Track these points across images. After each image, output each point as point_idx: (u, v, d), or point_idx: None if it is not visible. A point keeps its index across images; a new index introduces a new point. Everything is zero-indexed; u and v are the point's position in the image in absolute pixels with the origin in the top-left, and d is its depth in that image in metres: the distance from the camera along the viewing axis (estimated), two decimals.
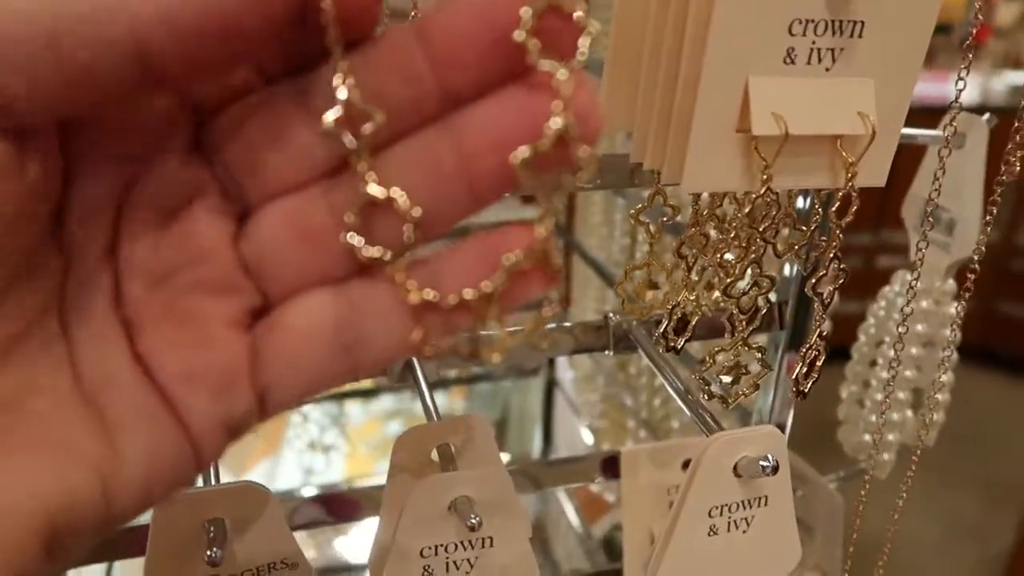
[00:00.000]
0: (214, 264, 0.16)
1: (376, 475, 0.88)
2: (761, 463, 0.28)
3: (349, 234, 0.16)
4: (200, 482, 0.27)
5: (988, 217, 0.37)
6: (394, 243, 0.16)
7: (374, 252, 0.16)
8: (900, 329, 0.41)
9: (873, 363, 0.46)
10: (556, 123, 0.15)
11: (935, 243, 0.42)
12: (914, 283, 0.37)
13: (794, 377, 0.28)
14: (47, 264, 0.15)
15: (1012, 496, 1.62)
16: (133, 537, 0.31)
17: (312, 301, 0.16)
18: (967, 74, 0.31)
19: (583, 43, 0.15)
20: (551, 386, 0.82)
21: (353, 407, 0.95)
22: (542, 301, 0.17)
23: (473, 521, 0.25)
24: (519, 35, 0.14)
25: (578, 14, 0.14)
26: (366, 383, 0.86)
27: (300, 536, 0.32)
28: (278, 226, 0.16)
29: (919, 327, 0.44)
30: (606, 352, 0.38)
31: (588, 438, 0.73)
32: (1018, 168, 0.32)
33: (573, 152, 0.15)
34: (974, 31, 0.29)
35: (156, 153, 0.16)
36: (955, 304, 0.43)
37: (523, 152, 0.15)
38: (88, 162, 0.15)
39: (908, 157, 0.39)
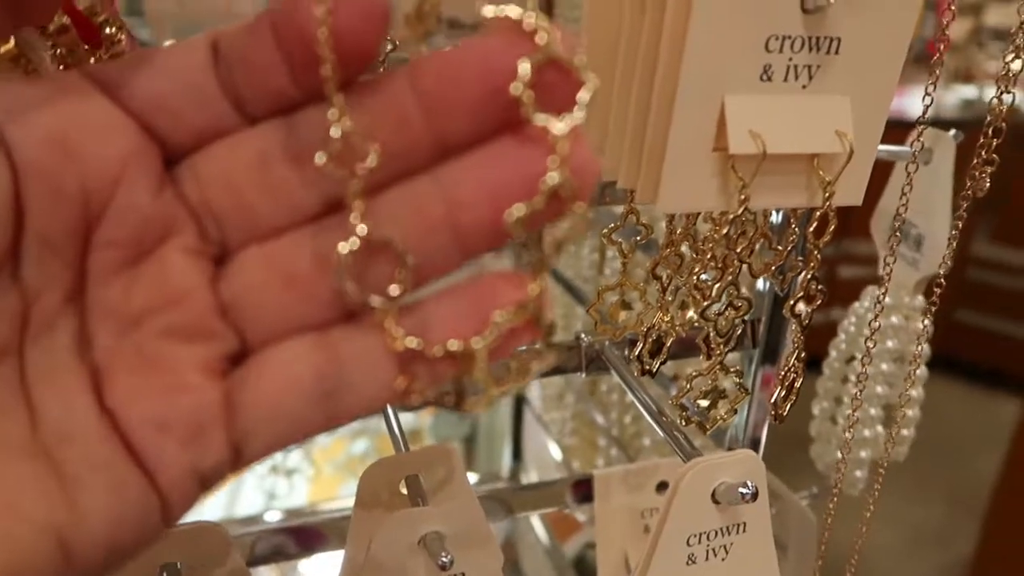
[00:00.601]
0: (189, 307, 0.15)
1: (341, 498, 0.86)
2: (740, 490, 0.27)
3: (341, 277, 0.15)
4: None
5: (954, 232, 0.37)
6: (382, 288, 0.15)
7: (372, 299, 0.15)
8: (869, 344, 0.40)
9: (845, 379, 0.46)
10: (553, 179, 0.14)
11: (903, 259, 0.42)
12: (882, 298, 0.37)
13: (773, 401, 0.27)
14: (2, 306, 0.14)
15: (973, 502, 1.65)
16: None
17: (293, 348, 0.16)
18: (934, 89, 0.31)
19: (583, 97, 0.14)
20: (520, 403, 0.80)
21: None
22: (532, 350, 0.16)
23: (444, 560, 0.24)
24: (516, 88, 0.14)
25: (578, 67, 0.14)
26: None
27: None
28: (260, 270, 0.16)
29: (889, 343, 0.44)
30: (580, 374, 0.38)
31: (558, 455, 0.72)
32: (988, 184, 0.32)
33: (567, 208, 0.14)
34: (942, 46, 0.29)
35: (118, 188, 0.15)
36: (924, 319, 0.43)
37: (519, 210, 0.14)
38: (41, 197, 0.14)
39: (873, 171, 0.39)
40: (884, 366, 0.44)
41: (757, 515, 0.29)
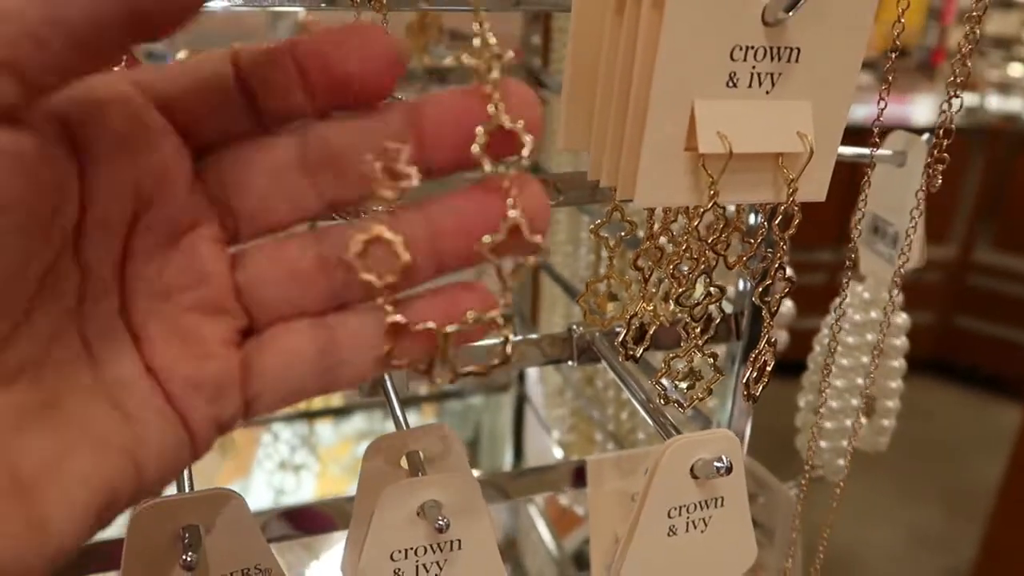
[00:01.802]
0: (212, 287, 0.18)
1: (347, 495, 0.88)
2: (715, 464, 0.29)
3: (356, 261, 0.18)
4: (174, 489, 0.28)
5: (911, 223, 0.40)
6: (381, 275, 0.19)
7: (372, 278, 0.18)
8: (847, 338, 0.43)
9: (828, 372, 0.48)
10: (510, 217, 0.18)
11: (881, 256, 0.45)
12: (844, 286, 0.39)
13: (744, 381, 0.30)
14: (68, 281, 0.17)
15: (973, 507, 1.66)
16: (106, 551, 0.31)
17: (297, 328, 0.19)
18: (888, 95, 0.33)
19: (525, 151, 0.18)
20: (521, 402, 0.83)
21: (324, 428, 0.95)
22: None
23: (441, 523, 0.26)
24: (475, 149, 0.18)
25: (520, 130, 0.18)
26: (337, 401, 0.86)
27: None
28: (270, 264, 0.19)
29: (868, 336, 0.46)
30: (570, 363, 0.40)
31: (559, 453, 0.74)
32: (940, 181, 0.34)
33: (526, 241, 0.18)
34: (894, 56, 0.32)
35: (162, 185, 0.18)
36: (902, 314, 0.45)
37: (486, 240, 0.18)
38: (103, 190, 0.17)
39: (855, 174, 0.41)
40: (864, 359, 0.46)
41: (734, 490, 0.32)
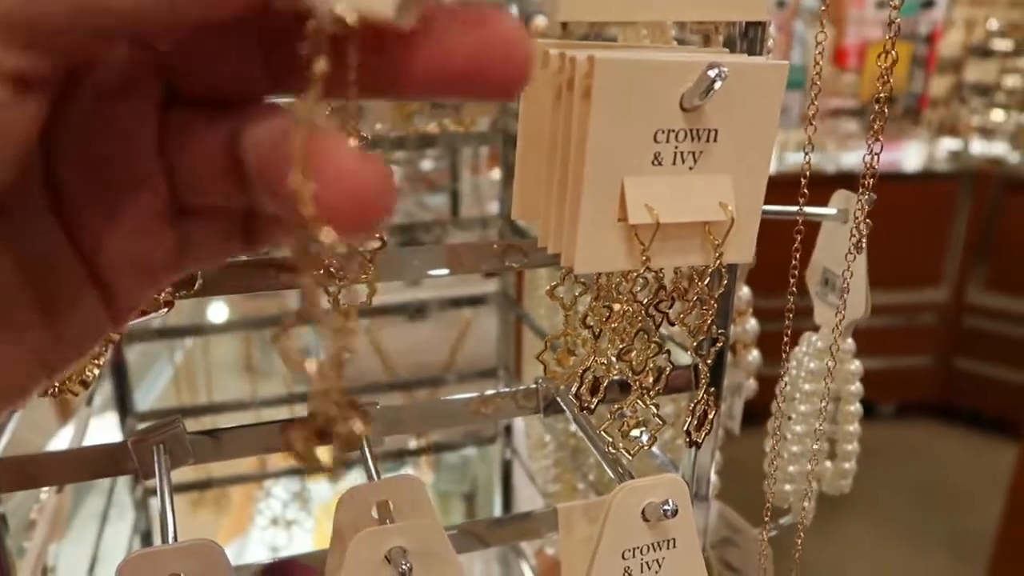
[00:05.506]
0: (141, 161, 0.17)
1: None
2: (663, 507, 0.32)
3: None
4: (158, 541, 0.30)
5: (847, 275, 0.42)
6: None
7: None
8: (804, 386, 0.45)
9: (789, 418, 0.50)
10: None
11: (832, 306, 0.47)
12: (804, 346, 0.41)
13: (685, 430, 0.32)
14: None
15: (978, 549, 1.65)
16: None
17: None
18: (811, 149, 0.37)
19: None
20: (509, 454, 0.84)
21: (320, 485, 0.96)
22: None
23: (404, 567, 0.29)
24: None
25: None
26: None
27: None
28: (202, 159, 0.17)
29: (825, 383, 0.48)
30: (538, 415, 0.42)
31: (543, 503, 0.76)
32: (863, 243, 0.37)
33: None
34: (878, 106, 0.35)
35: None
36: (855, 361, 0.48)
37: None
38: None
39: (808, 229, 0.44)
40: (822, 404, 0.48)
41: (685, 532, 0.34)
